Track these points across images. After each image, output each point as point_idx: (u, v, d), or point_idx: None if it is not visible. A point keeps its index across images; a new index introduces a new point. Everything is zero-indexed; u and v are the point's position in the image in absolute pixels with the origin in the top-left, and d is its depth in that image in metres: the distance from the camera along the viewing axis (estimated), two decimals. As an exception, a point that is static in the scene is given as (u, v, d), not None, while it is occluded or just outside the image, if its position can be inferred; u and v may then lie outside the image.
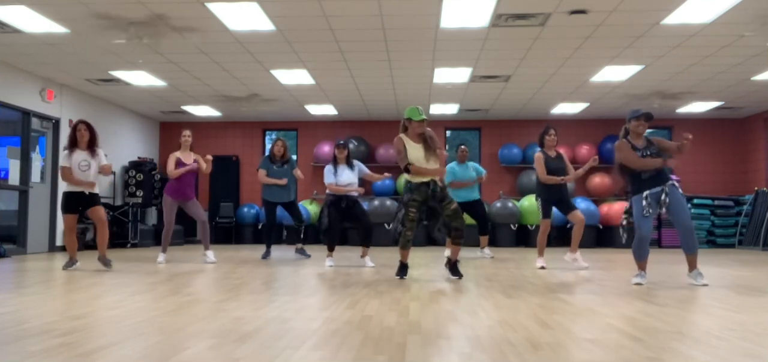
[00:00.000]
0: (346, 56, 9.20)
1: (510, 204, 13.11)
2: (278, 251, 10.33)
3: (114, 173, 12.72)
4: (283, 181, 8.66)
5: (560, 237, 12.68)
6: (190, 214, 8.21)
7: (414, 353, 2.66)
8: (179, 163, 7.98)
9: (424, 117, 5.68)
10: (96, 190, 6.90)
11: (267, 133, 15.36)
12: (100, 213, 6.83)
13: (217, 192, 14.79)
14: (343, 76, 10.45)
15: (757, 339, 3.02)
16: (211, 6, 7.07)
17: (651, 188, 5.38)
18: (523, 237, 13.14)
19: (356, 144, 13.83)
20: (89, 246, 10.87)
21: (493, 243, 12.17)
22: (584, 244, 12.06)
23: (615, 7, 7.10)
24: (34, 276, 6.28)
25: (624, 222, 5.76)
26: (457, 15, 7.41)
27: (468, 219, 8.93)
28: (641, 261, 5.49)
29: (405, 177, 5.80)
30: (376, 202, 13.14)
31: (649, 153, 5.42)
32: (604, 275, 6.36)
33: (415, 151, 5.67)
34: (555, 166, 7.07)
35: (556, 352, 2.68)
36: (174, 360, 2.51)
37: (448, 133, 15.15)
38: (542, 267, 7.01)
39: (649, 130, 5.65)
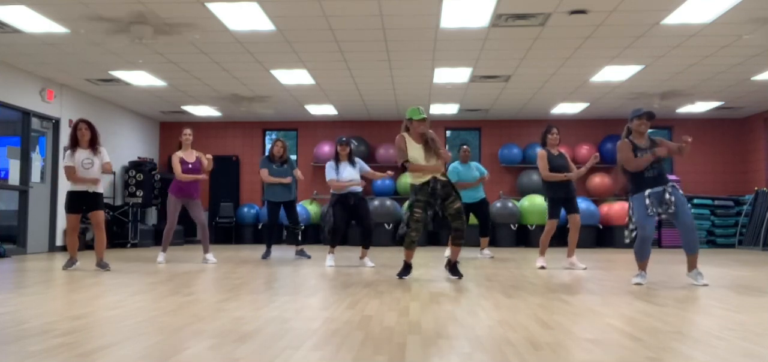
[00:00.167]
0: (346, 56, 9.20)
1: (510, 204, 13.12)
2: (278, 251, 10.32)
3: (114, 173, 12.72)
4: (288, 179, 8.67)
5: (560, 237, 12.64)
6: (191, 215, 8.25)
7: (414, 353, 2.66)
8: (183, 163, 8.04)
9: (424, 116, 5.69)
10: (100, 189, 6.91)
11: (267, 133, 15.35)
12: (99, 217, 6.84)
13: (217, 192, 14.79)
14: (343, 76, 10.44)
15: (757, 339, 3.02)
16: (211, 6, 7.07)
17: (652, 187, 5.38)
18: (523, 237, 13.14)
19: (356, 144, 13.82)
20: (89, 246, 10.85)
21: (493, 243, 12.16)
22: (584, 244, 12.08)
23: (615, 7, 7.10)
24: (34, 276, 6.28)
25: (633, 234, 5.52)
26: (457, 15, 7.41)
27: (471, 219, 8.96)
28: (642, 261, 5.48)
29: (408, 180, 5.81)
30: (376, 202, 13.13)
31: (649, 153, 5.42)
32: (604, 275, 6.36)
33: (415, 151, 5.67)
34: (557, 164, 7.06)
35: (556, 352, 2.68)
36: (174, 360, 2.51)
37: (448, 133, 15.15)
38: (542, 267, 7.00)
39: (650, 130, 5.65)
